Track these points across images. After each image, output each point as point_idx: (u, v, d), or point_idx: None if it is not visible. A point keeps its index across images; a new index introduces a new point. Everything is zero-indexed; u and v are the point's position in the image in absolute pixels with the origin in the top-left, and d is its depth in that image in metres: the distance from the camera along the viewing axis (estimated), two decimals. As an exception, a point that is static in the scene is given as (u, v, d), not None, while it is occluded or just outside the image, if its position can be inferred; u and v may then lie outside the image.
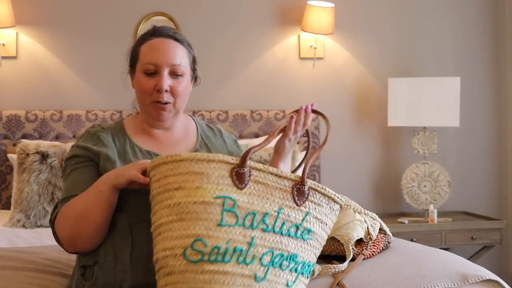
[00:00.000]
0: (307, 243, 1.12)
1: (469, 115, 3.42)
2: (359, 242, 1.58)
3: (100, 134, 1.43)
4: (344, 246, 1.52)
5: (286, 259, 1.08)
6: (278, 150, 1.46)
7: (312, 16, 3.13)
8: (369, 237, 1.58)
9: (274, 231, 1.07)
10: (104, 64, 3.12)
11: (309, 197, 1.13)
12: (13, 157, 2.75)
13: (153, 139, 1.48)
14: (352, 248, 1.52)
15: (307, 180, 1.13)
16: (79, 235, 1.29)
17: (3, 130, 2.94)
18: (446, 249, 2.70)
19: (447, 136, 3.41)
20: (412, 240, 2.84)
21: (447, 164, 3.34)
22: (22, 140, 2.81)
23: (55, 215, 1.35)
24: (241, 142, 2.42)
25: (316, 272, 1.42)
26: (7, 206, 2.84)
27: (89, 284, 1.31)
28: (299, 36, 3.30)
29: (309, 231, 1.11)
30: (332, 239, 1.55)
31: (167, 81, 1.41)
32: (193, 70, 1.52)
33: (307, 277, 1.14)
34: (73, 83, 3.12)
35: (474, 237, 3.06)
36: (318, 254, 1.17)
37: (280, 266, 1.07)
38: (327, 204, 1.16)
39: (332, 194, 1.17)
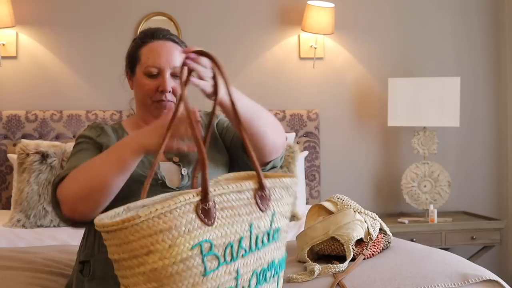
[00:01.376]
0: (279, 241, 1.06)
1: (469, 115, 3.42)
2: (359, 242, 1.58)
3: (104, 126, 1.49)
4: (344, 246, 1.52)
5: (268, 270, 1.03)
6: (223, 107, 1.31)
7: (312, 16, 3.13)
8: (369, 237, 1.58)
9: (252, 251, 0.99)
10: (104, 64, 3.12)
11: (271, 197, 1.03)
12: (13, 157, 2.75)
13: None
14: (352, 248, 1.52)
15: (264, 181, 1.02)
16: (87, 198, 1.25)
17: (3, 130, 2.94)
18: (446, 249, 2.69)
19: (447, 136, 3.41)
20: (412, 240, 2.84)
21: (447, 164, 3.34)
22: (22, 140, 2.81)
23: (61, 177, 1.31)
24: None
25: (316, 272, 1.42)
26: (7, 206, 2.84)
27: (88, 279, 1.32)
28: (299, 36, 3.30)
29: (277, 230, 1.05)
30: (332, 239, 1.55)
31: (170, 83, 1.46)
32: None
33: (283, 269, 1.10)
34: (73, 83, 3.12)
35: (474, 237, 3.06)
36: (286, 239, 1.10)
37: (265, 280, 1.02)
38: (286, 192, 1.07)
39: (287, 179, 1.07)
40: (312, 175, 3.20)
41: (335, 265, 1.45)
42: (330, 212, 1.63)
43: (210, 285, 0.93)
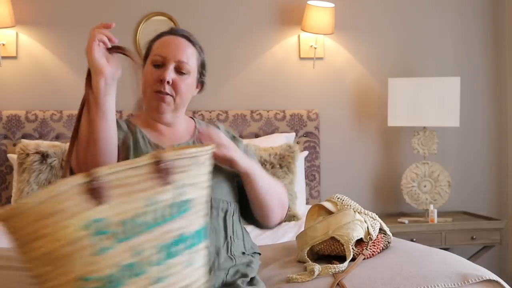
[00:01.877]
0: (191, 212, 1.02)
1: (469, 115, 3.42)
2: (359, 242, 1.58)
3: (118, 120, 1.47)
4: (344, 246, 1.52)
5: (177, 244, 0.99)
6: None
7: (312, 16, 3.13)
8: (369, 237, 1.58)
9: (153, 226, 0.97)
10: (104, 64, 3.12)
11: (173, 170, 1.00)
12: (13, 157, 2.75)
13: (158, 133, 1.51)
14: (352, 248, 1.52)
15: (163, 154, 0.99)
16: (92, 157, 1.23)
17: (3, 130, 2.94)
18: (446, 249, 2.69)
19: (447, 136, 3.41)
20: (412, 240, 2.84)
21: (447, 164, 3.34)
22: (22, 140, 2.81)
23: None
24: (241, 142, 2.41)
25: (316, 272, 1.42)
26: (7, 206, 2.84)
27: None
28: (299, 36, 3.30)
29: (186, 201, 1.01)
30: (332, 239, 1.55)
31: (171, 74, 1.45)
32: (200, 74, 1.55)
33: (204, 240, 1.08)
34: (73, 83, 3.12)
35: (474, 237, 3.06)
36: (205, 210, 1.08)
37: (176, 253, 0.99)
38: (196, 164, 1.03)
39: (192, 149, 1.04)
40: (312, 175, 3.19)
41: (335, 265, 1.45)
42: (330, 212, 1.63)
43: (106, 264, 0.93)
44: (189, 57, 1.49)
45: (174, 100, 1.48)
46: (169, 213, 0.99)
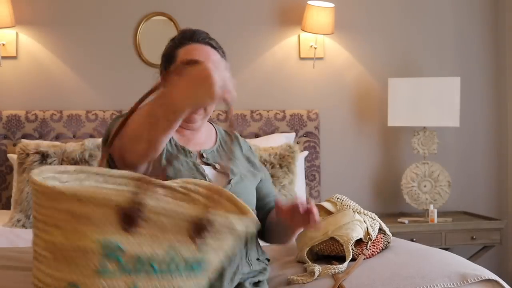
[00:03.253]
0: (198, 274, 0.98)
1: (469, 115, 3.42)
2: (359, 242, 1.58)
3: None
4: (344, 247, 1.52)
5: None
6: None
7: (312, 16, 3.13)
8: (369, 237, 1.58)
9: (160, 273, 0.93)
10: (104, 64, 3.12)
11: (209, 233, 0.95)
12: (13, 157, 2.75)
13: (183, 137, 1.52)
14: (352, 249, 1.52)
15: (212, 212, 0.94)
16: (142, 158, 1.17)
17: (3, 130, 2.94)
18: (446, 249, 2.69)
19: (447, 136, 3.41)
20: (412, 240, 2.84)
21: (447, 164, 3.34)
22: (22, 140, 2.81)
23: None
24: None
25: (317, 273, 1.42)
26: (7, 206, 2.84)
27: None
28: (299, 36, 3.30)
29: (201, 261, 0.97)
30: (331, 239, 1.55)
31: None
32: None
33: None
34: (73, 83, 3.12)
35: (474, 237, 3.06)
36: (214, 274, 1.02)
37: None
38: (232, 235, 0.98)
39: (236, 219, 0.97)
40: (312, 175, 3.19)
41: (335, 265, 1.45)
42: (329, 213, 1.63)
43: (99, 284, 0.90)
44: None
45: (205, 109, 1.49)
46: (181, 265, 0.95)
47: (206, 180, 1.40)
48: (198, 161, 1.47)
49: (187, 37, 1.51)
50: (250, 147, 1.67)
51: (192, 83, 0.99)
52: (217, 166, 1.49)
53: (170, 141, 1.46)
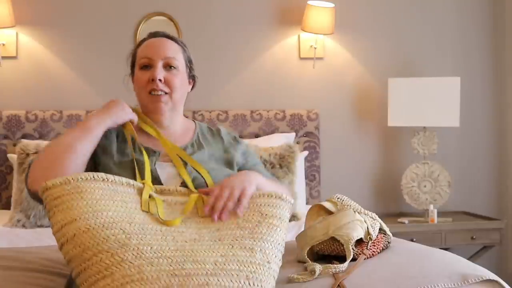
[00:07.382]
0: None
1: (469, 115, 3.42)
2: (359, 242, 1.58)
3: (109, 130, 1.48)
4: (344, 246, 1.52)
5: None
6: None
7: (312, 16, 3.13)
8: (369, 237, 1.58)
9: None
10: (104, 64, 3.12)
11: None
12: (13, 157, 2.75)
13: (152, 137, 1.51)
14: (352, 248, 1.52)
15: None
16: (58, 163, 1.28)
17: (3, 130, 2.94)
18: (446, 249, 2.69)
19: (447, 136, 3.41)
20: (412, 240, 2.84)
21: (447, 164, 3.34)
22: (22, 140, 2.81)
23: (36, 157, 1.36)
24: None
25: (317, 272, 1.42)
26: (7, 206, 2.84)
27: None
28: (299, 36, 3.30)
29: None
30: (332, 239, 1.55)
31: (161, 72, 1.47)
32: (190, 69, 1.57)
33: None
34: (73, 83, 3.12)
35: (474, 237, 3.06)
36: None
37: None
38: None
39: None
40: (312, 175, 3.19)
41: (335, 265, 1.45)
42: (330, 212, 1.63)
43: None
44: (175, 52, 1.51)
45: (171, 97, 1.49)
46: None
47: (159, 179, 1.39)
48: (163, 159, 1.45)
49: (147, 36, 1.57)
50: (235, 137, 1.64)
51: None
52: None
53: (134, 144, 1.45)
